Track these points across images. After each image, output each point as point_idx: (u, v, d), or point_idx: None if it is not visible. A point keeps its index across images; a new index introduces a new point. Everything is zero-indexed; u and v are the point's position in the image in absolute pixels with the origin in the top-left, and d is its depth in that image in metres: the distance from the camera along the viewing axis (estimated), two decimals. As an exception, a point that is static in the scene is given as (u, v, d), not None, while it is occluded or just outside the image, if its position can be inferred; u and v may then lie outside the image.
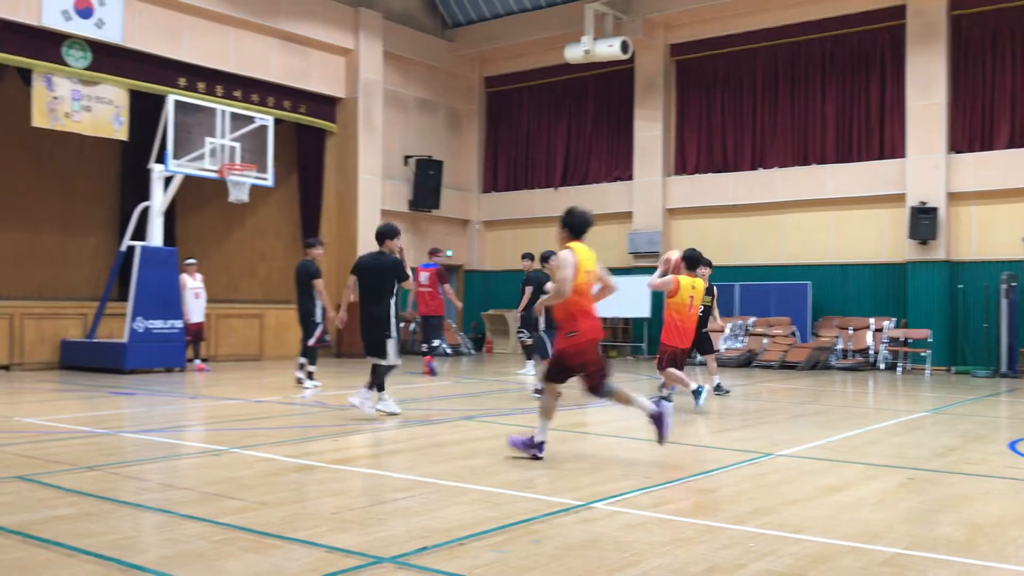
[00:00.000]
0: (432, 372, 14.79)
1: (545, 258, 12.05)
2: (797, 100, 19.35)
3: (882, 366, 17.47)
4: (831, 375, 16.33)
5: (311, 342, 12.48)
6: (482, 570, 4.11)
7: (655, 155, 20.66)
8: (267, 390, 12.59)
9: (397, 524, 4.98)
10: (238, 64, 18.05)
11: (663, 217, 20.52)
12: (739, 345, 18.53)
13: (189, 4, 17.01)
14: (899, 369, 17.19)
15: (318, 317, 12.51)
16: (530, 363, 14.53)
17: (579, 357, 6.81)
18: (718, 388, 12.15)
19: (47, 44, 15.22)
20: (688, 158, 20.63)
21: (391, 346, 9.18)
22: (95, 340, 15.32)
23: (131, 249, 15.13)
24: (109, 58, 16.02)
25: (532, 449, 6.95)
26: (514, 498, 5.59)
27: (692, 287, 10.23)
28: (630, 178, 21.15)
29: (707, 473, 6.57)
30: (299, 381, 12.56)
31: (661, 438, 6.90)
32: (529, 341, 14.53)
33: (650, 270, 20.20)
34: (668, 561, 4.28)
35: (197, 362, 15.62)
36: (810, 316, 18.51)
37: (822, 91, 19.07)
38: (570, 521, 5.02)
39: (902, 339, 17.47)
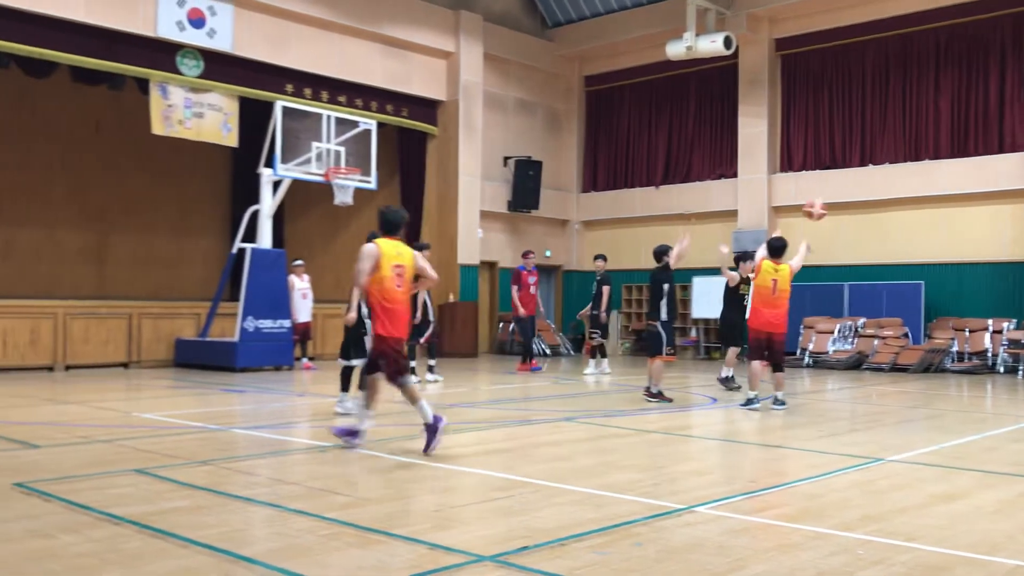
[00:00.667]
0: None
1: (663, 252, 11.54)
2: (908, 93, 18.67)
3: (1001, 369, 16.68)
4: (945, 378, 15.70)
5: (423, 340, 13.20)
6: (583, 571, 4.09)
7: (760, 152, 20.24)
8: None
9: (498, 523, 5.00)
10: (342, 69, 18.44)
11: (768, 215, 20.08)
12: (848, 347, 17.99)
13: (295, 12, 17.47)
14: (1020, 373, 16.39)
15: (431, 316, 13.14)
16: (592, 362, 15.31)
17: (385, 347, 7.21)
18: (727, 380, 12.63)
19: (162, 54, 15.85)
20: (794, 155, 20.14)
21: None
22: (207, 339, 15.88)
23: (242, 251, 15.61)
24: (220, 66, 16.58)
25: (353, 437, 7.24)
26: (615, 500, 5.55)
27: (775, 270, 10.27)
28: (734, 175, 20.76)
29: (814, 478, 6.40)
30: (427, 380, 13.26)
31: (427, 448, 7.01)
32: (600, 341, 15.15)
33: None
34: (773, 567, 4.18)
35: (304, 361, 16.03)
36: (923, 317, 17.82)
37: (935, 83, 18.34)
38: (672, 524, 4.96)
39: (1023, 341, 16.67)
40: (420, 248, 13.33)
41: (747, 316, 10.95)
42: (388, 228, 7.51)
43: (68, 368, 14.75)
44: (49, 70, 15.56)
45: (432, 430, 7.01)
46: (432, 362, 13.76)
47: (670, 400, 11.09)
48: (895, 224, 18.71)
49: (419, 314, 12.80)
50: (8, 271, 18.35)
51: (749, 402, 10.39)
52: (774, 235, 10.78)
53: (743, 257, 13.28)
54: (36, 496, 5.44)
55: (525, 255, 16.38)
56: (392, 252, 7.29)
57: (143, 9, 15.45)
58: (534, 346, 20.25)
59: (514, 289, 15.93)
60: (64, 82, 16.54)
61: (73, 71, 15.69)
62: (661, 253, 11.45)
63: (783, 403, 10.34)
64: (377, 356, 7.29)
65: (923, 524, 5.03)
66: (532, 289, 15.89)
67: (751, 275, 10.93)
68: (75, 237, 19.59)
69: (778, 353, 10.47)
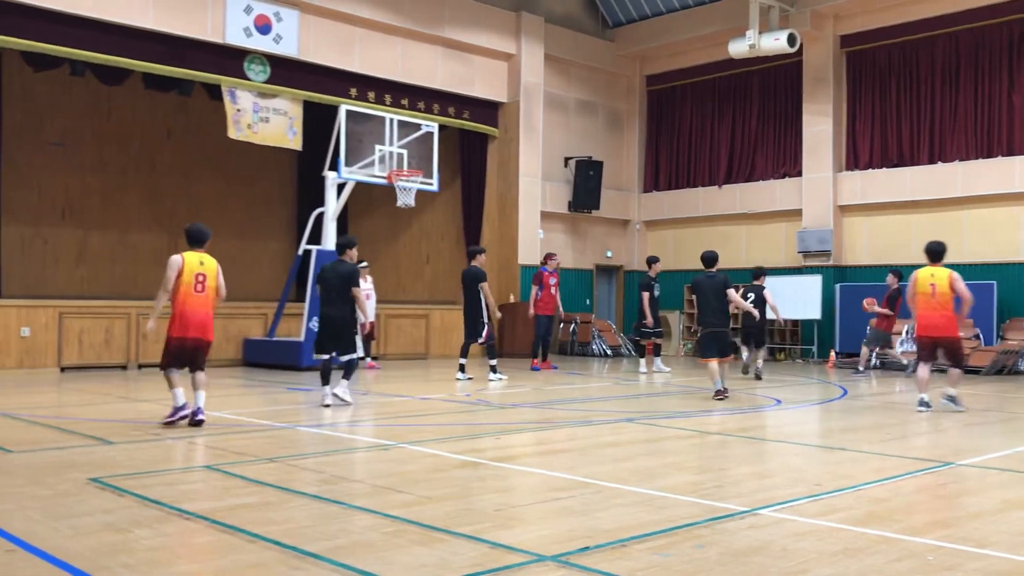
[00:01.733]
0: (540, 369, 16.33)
1: (715, 258, 11.82)
2: (980, 88, 18.17)
3: (1079, 372, 16.17)
4: (1019, 381, 15.26)
5: (481, 340, 13.68)
6: (644, 573, 4.08)
7: (825, 150, 19.90)
8: (433, 388, 12.93)
9: (559, 523, 5.02)
10: (405, 73, 18.63)
11: (834, 214, 19.73)
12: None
13: (359, 16, 17.69)
14: (1099, 375, 15.87)
15: (484, 317, 13.60)
16: (657, 360, 15.74)
17: (176, 345, 8.34)
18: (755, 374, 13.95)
19: (230, 60, 16.18)
20: (860, 153, 19.77)
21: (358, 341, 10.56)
22: (274, 339, 16.17)
23: (307, 253, 15.86)
24: (285, 71, 16.87)
25: (179, 412, 8.31)
26: (677, 502, 5.52)
27: (932, 275, 10.47)
28: (799, 174, 20.45)
29: (881, 481, 6.28)
30: (462, 379, 13.58)
31: (166, 419, 8.33)
32: (644, 341, 15.87)
33: (819, 270, 19.56)
34: (838, 571, 4.12)
35: (368, 360, 16.23)
36: (996, 318, 17.34)
37: (1009, 77, 17.83)
38: (735, 527, 4.92)
39: (1102, 343, 16.12)
40: (474, 253, 13.90)
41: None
42: (192, 241, 8.65)
43: (141, 367, 15.14)
44: (122, 77, 16.02)
45: (177, 411, 8.33)
46: (493, 362, 13.94)
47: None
48: (966, 222, 18.24)
49: (483, 315, 13.50)
50: (84, 273, 18.91)
51: (923, 404, 10.41)
52: (931, 240, 10.86)
53: (760, 273, 15.15)
54: (110, 491, 5.61)
55: (549, 257, 16.97)
56: (194, 262, 8.48)
57: (211, 16, 15.81)
58: (596, 347, 20.44)
59: (534, 289, 16.46)
60: (137, 89, 16.99)
61: (145, 78, 16.11)
62: (714, 260, 11.73)
63: (953, 399, 10.44)
64: (175, 354, 8.41)
65: (996, 530, 4.91)
66: (553, 290, 16.45)
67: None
68: (147, 239, 20.10)
69: (950, 353, 10.53)
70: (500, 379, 13.60)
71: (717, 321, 11.37)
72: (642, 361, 15.93)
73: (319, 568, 4.09)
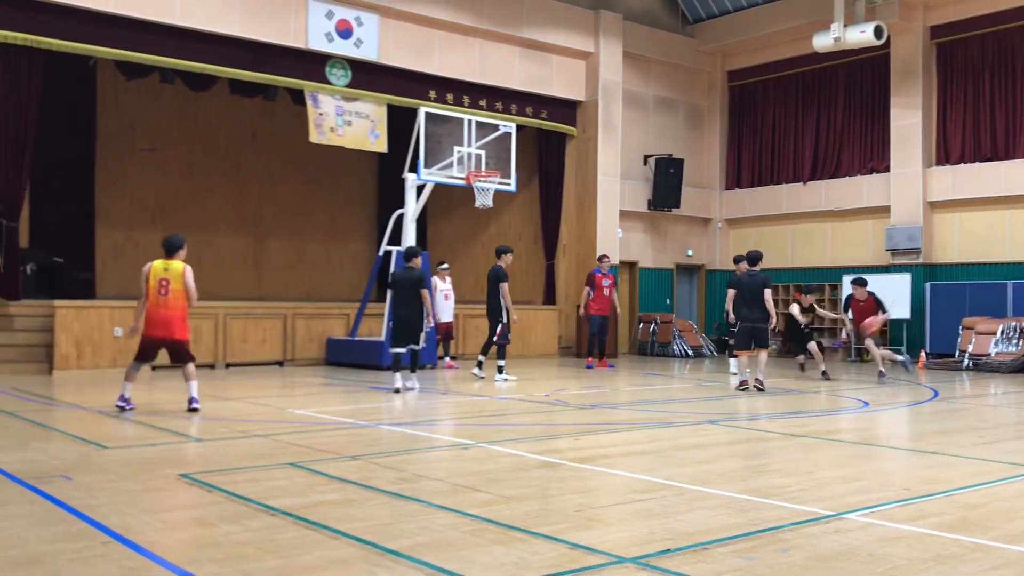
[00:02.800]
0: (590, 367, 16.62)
1: (759, 257, 12.74)
2: (1081, 78, 17.44)
3: None
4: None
5: (495, 339, 14.07)
6: (726, 576, 4.02)
7: (914, 145, 19.32)
8: (510, 387, 12.95)
9: (639, 525, 4.97)
10: (483, 74, 18.71)
11: (923, 211, 19.15)
12: (1013, 349, 16.95)
13: (438, 19, 17.83)
14: None
15: (504, 317, 14.06)
16: (735, 363, 15.47)
17: (143, 343, 9.43)
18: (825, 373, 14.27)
19: (313, 65, 16.50)
20: (952, 147, 19.13)
21: (423, 336, 12.09)
22: (356, 338, 16.41)
23: (388, 254, 16.05)
24: (366, 75, 17.11)
25: (123, 402, 9.30)
26: (760, 505, 5.42)
27: None
28: (886, 170, 19.90)
29: (974, 487, 6.07)
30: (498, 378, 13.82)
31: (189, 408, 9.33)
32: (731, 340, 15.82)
33: (908, 268, 19.00)
34: (930, 579, 4.00)
35: (447, 360, 16.35)
36: (1099, 317, 16.62)
37: (1112, 66, 17.06)
38: (820, 531, 4.81)
39: None
40: (500, 252, 14.56)
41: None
42: (165, 250, 9.55)
43: (228, 366, 15.53)
44: (209, 83, 16.46)
45: (122, 400, 9.39)
46: (501, 363, 13.83)
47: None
48: (1066, 218, 17.50)
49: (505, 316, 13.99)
50: (173, 274, 19.50)
51: None
52: None
53: (807, 289, 15.71)
54: (199, 487, 5.76)
55: (602, 259, 17.35)
56: (160, 268, 9.43)
57: (294, 22, 16.13)
58: (676, 347, 20.26)
59: (586, 290, 16.87)
60: (222, 94, 17.45)
61: (231, 84, 16.53)
62: (758, 259, 12.57)
63: None
64: (142, 349, 9.50)
65: (1098, 539, 4.69)
66: (606, 291, 16.87)
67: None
68: (233, 242, 20.63)
69: None
70: (507, 380, 13.49)
71: (755, 316, 12.17)
72: (731, 362, 15.60)
73: (400, 565, 4.13)
